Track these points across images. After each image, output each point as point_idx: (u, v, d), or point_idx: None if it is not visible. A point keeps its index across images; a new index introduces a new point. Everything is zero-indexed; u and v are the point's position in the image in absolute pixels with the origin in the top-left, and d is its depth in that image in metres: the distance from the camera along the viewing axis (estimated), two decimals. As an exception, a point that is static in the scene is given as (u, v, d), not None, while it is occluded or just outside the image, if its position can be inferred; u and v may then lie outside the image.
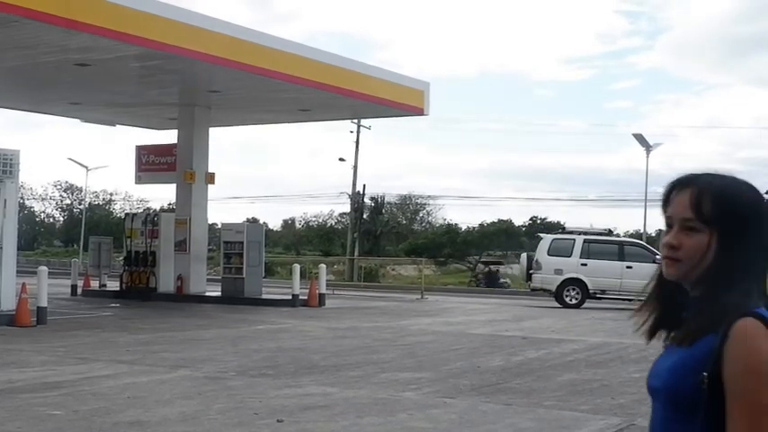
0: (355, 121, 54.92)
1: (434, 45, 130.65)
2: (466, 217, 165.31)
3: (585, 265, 27.73)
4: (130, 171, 29.92)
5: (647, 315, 2.35)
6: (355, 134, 59.23)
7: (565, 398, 10.27)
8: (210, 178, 27.59)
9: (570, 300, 27.51)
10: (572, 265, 27.77)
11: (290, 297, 24.93)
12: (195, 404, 9.47)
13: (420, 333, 17.88)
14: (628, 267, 27.41)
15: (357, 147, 60.94)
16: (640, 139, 40.53)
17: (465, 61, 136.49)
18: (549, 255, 28.18)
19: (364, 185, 62.20)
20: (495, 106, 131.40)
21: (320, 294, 25.32)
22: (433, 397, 10.22)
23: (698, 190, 2.19)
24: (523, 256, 30.68)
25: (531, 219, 78.68)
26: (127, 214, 31.76)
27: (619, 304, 27.57)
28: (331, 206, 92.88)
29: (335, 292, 30.58)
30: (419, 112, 27.41)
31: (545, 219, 78.10)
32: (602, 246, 28.59)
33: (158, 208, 48.34)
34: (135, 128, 31.44)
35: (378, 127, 75.58)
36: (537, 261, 28.27)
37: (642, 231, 43.50)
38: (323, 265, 27.38)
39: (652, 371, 2.26)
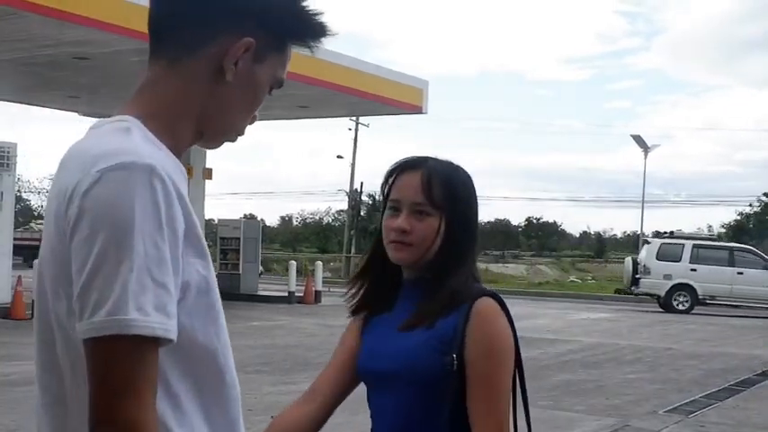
0: (354, 118, 54.97)
1: (434, 44, 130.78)
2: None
3: (695, 270, 27.29)
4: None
5: (355, 291, 2.31)
6: (353, 132, 59.37)
7: (559, 398, 10.26)
8: (208, 174, 27.54)
9: (679, 305, 27.12)
10: (681, 271, 27.37)
11: (286, 294, 24.94)
12: (189, 400, 9.45)
13: (415, 331, 17.86)
14: (739, 273, 27.14)
15: (355, 144, 61.06)
16: (639, 140, 40.58)
17: (464, 60, 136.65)
18: (657, 259, 27.81)
19: (362, 183, 62.33)
20: (494, 106, 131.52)
21: (316, 291, 25.32)
22: (427, 396, 10.20)
23: (428, 174, 2.18)
24: (628, 260, 30.15)
25: (527, 219, 78.77)
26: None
27: (728, 311, 27.32)
28: (328, 203, 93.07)
29: (332, 289, 30.56)
30: (418, 110, 27.34)
31: (540, 218, 78.24)
32: (712, 251, 28.19)
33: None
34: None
35: (377, 125, 75.75)
36: (645, 266, 27.90)
37: (639, 232, 43.50)
38: (319, 263, 27.40)
39: (375, 353, 2.22)
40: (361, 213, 63.80)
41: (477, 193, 2.29)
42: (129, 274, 1.26)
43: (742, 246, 30.94)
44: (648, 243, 29.32)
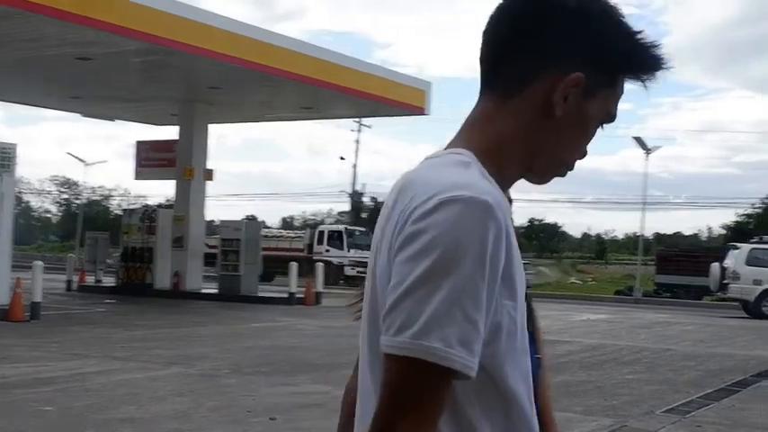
0: (356, 119, 55.00)
1: (434, 45, 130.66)
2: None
3: None
4: (129, 167, 30.02)
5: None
6: (356, 133, 59.38)
7: (558, 399, 10.25)
8: (209, 175, 27.60)
9: None
10: None
11: (286, 295, 24.95)
12: (188, 401, 9.48)
13: (415, 333, 17.85)
14: None
15: (357, 146, 61.12)
16: (640, 141, 40.56)
17: (466, 62, 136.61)
18: (746, 265, 27.69)
19: (363, 184, 62.44)
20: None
21: (317, 293, 25.33)
22: (425, 397, 10.19)
23: None
24: (715, 265, 29.94)
25: (529, 220, 78.87)
26: (124, 210, 31.74)
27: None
28: (330, 205, 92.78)
29: (333, 290, 30.58)
30: (420, 111, 27.41)
31: (542, 220, 78.31)
32: None
33: (156, 204, 48.45)
34: (135, 123, 31.52)
35: (382, 125, 75.50)
36: (735, 271, 27.77)
37: (639, 234, 43.48)
38: (320, 264, 27.38)
39: None
40: (363, 215, 63.76)
41: None
42: (442, 303, 1.29)
43: None
44: (737, 248, 29.12)
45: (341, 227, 44.85)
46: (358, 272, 35.22)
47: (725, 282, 28.12)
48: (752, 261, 27.69)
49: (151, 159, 28.79)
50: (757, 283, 27.30)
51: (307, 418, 8.79)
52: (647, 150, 40.46)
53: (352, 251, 40.04)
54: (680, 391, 11.31)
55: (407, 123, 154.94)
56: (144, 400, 9.44)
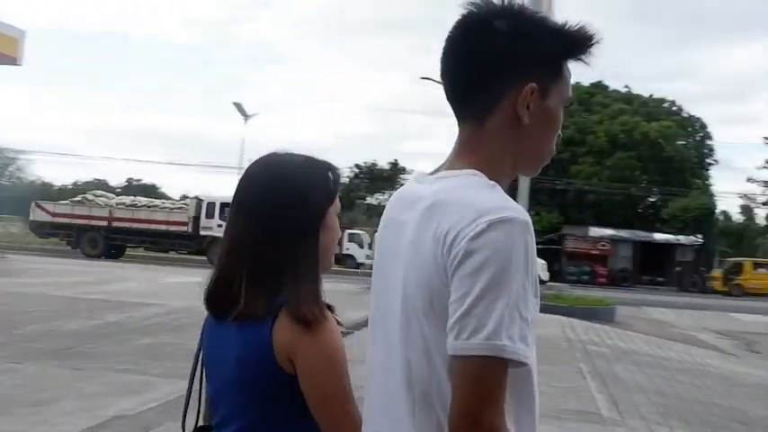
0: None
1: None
2: (60, 174, 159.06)
3: None
4: None
5: None
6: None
7: (138, 362, 10.32)
8: None
9: None
10: None
11: None
12: None
13: (-4, 294, 17.05)
14: None
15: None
16: (239, 107, 41.39)
17: (70, 15, 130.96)
18: None
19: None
20: (103, 64, 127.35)
21: None
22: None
23: None
24: None
25: (127, 180, 77.66)
26: None
27: None
28: None
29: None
30: (12, 61, 25.89)
31: (140, 180, 77.42)
32: None
33: None
34: None
35: (-34, 72, 70.15)
36: None
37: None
38: None
39: None
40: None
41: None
42: (505, 308, 1.55)
43: None
44: None
45: None
46: None
47: None
48: None
49: None
50: None
51: None
52: (246, 116, 41.39)
53: None
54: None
55: (3, 73, 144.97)
56: None
